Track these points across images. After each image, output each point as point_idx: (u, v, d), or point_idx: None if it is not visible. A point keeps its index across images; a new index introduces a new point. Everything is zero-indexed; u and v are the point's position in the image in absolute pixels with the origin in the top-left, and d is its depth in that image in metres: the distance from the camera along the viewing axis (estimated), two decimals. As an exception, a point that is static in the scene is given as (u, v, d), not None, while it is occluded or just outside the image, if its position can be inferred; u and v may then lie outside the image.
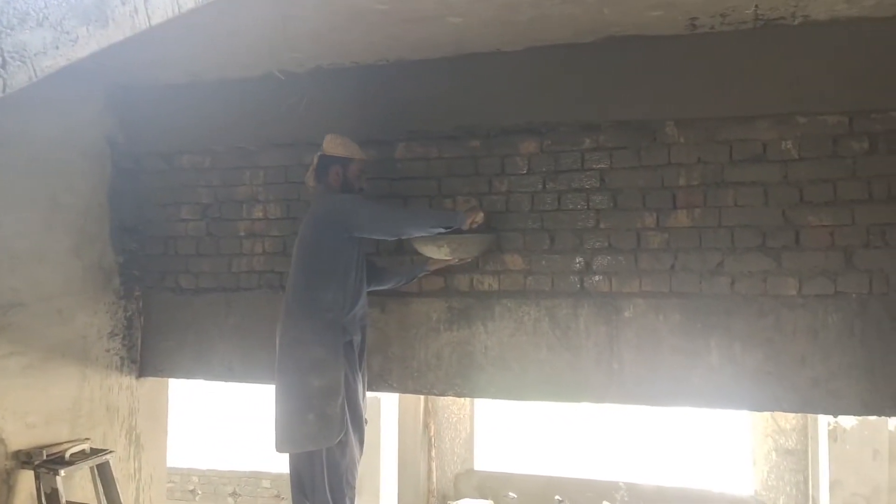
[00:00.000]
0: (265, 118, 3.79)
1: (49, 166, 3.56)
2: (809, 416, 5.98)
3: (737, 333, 3.13)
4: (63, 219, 3.65)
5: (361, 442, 3.17)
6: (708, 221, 3.17)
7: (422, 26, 3.04)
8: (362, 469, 3.40)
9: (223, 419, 11.48)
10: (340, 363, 3.02)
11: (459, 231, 3.16)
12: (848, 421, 5.36)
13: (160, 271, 4.07)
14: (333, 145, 3.21)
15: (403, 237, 3.26)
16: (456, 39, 3.23)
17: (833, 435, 5.44)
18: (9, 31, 1.82)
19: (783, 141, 3.08)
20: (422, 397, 7.22)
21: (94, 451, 3.56)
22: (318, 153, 3.21)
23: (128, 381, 4.02)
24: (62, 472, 3.28)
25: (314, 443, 2.98)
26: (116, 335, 3.96)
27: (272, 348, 3.15)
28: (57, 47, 1.88)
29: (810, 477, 6.17)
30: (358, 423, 3.13)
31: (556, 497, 6.74)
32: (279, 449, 3.09)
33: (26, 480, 3.33)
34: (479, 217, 3.21)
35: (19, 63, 1.82)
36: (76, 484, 3.58)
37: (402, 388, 3.65)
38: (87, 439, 3.60)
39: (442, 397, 6.87)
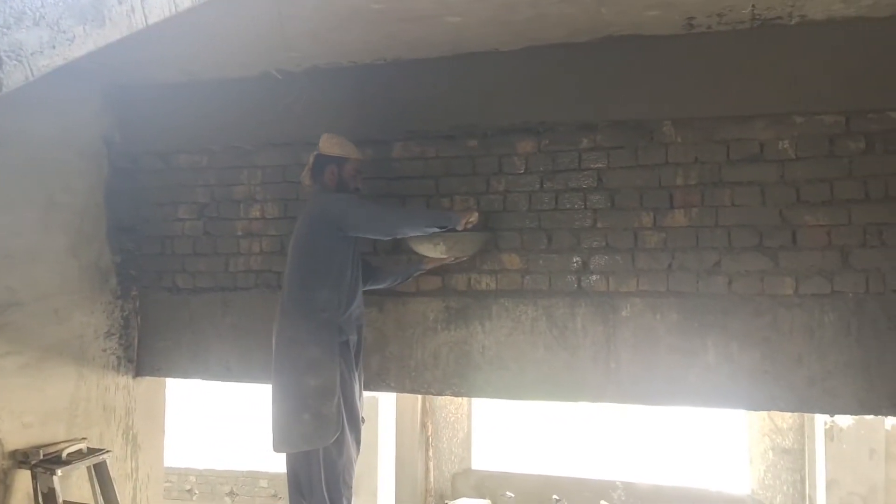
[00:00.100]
0: (262, 118, 3.78)
1: (46, 166, 3.55)
2: (806, 415, 5.99)
3: (734, 333, 3.14)
4: (60, 218, 3.65)
5: (358, 441, 3.17)
6: (705, 221, 3.17)
7: (419, 26, 3.04)
8: (359, 468, 3.39)
9: (220, 419, 11.46)
10: (336, 363, 3.02)
11: (454, 231, 3.16)
12: (844, 420, 5.36)
13: (157, 271, 4.06)
14: (329, 145, 3.20)
15: (398, 237, 3.25)
16: (453, 39, 3.23)
17: (830, 434, 5.44)
18: (5, 30, 1.81)
19: (780, 140, 3.09)
20: (419, 397, 7.23)
21: (91, 451, 3.56)
22: (315, 152, 3.21)
23: (124, 380, 4.02)
24: (59, 472, 3.28)
25: (310, 442, 2.98)
26: (113, 335, 3.95)
27: (269, 348, 3.15)
28: (53, 46, 1.87)
29: (807, 476, 6.18)
30: (355, 422, 3.13)
31: (554, 496, 6.75)
32: (276, 449, 3.08)
33: (23, 480, 3.33)
34: (474, 217, 3.21)
35: (16, 62, 1.81)
36: (73, 483, 3.57)
37: (399, 388, 3.65)
38: (84, 439, 3.60)
39: (439, 397, 6.86)
